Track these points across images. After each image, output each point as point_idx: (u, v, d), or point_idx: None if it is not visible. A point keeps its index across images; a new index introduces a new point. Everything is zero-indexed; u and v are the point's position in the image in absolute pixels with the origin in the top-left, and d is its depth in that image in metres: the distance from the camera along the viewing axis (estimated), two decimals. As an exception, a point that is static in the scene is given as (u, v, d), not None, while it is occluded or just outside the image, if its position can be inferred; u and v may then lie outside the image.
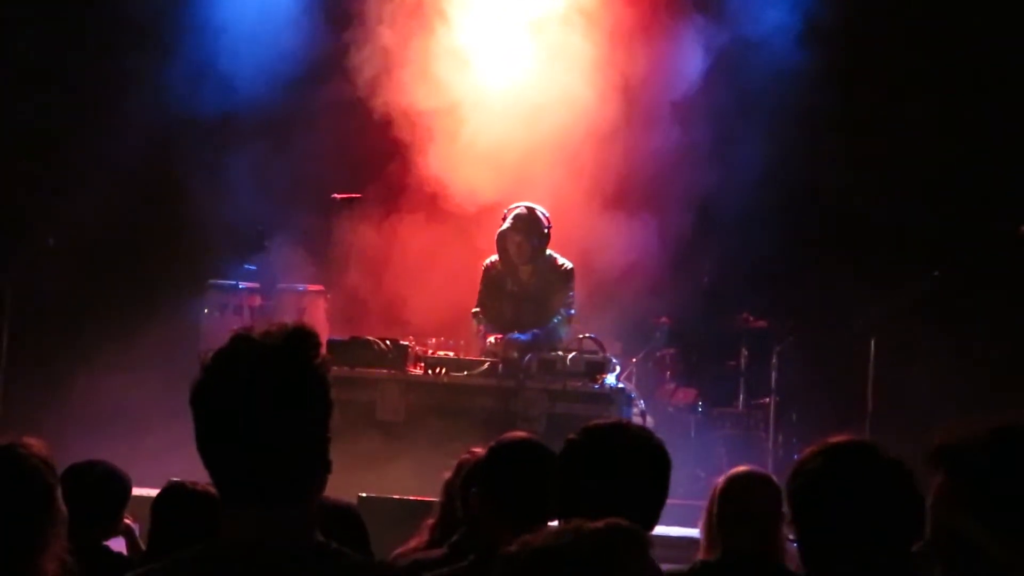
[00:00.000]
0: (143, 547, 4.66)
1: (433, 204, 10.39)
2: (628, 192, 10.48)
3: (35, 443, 2.92)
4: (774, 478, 4.23)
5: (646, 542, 2.06)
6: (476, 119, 10.37)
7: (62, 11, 11.12)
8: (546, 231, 8.91)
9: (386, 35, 10.45)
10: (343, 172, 10.60)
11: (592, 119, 10.28)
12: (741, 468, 4.33)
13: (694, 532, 4.40)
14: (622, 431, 3.15)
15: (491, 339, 8.78)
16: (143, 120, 10.78)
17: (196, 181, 10.68)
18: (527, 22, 10.60)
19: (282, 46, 10.74)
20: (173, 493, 4.01)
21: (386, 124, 10.45)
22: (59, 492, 2.88)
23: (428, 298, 9.95)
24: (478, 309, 9.04)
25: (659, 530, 3.15)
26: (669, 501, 3.13)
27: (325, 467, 2.30)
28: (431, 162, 10.32)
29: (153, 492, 4.27)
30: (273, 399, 2.22)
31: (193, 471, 2.30)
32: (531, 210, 8.89)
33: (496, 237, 8.96)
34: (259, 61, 10.69)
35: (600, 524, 2.04)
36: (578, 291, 9.17)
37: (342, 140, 10.74)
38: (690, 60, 10.48)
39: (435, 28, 10.48)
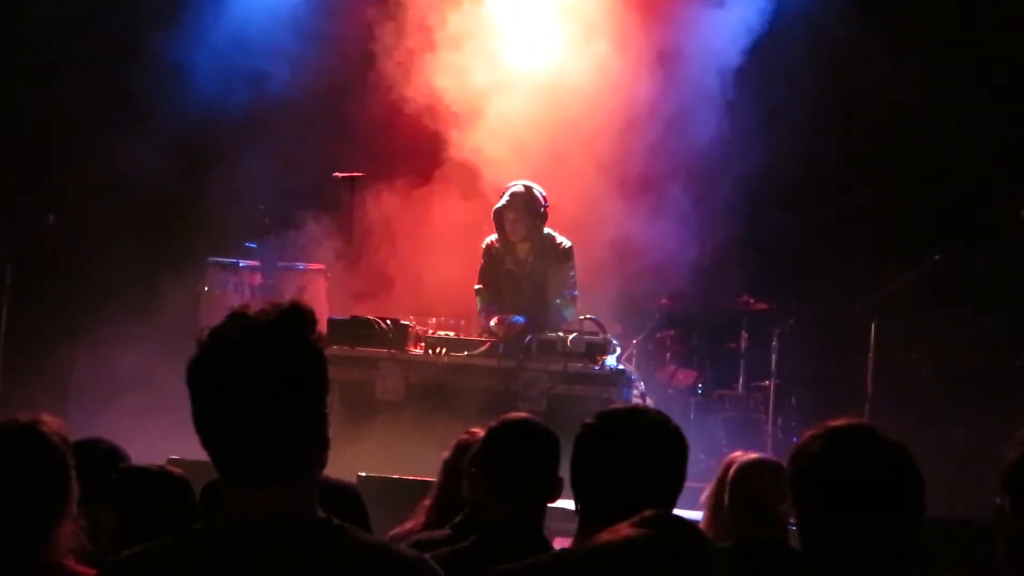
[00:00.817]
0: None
1: (462, 184, 10.29)
2: (630, 173, 10.43)
3: (52, 421, 2.96)
4: (784, 464, 4.23)
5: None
6: (506, 99, 10.25)
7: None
8: (543, 210, 8.86)
9: (415, 14, 10.38)
10: (370, 153, 10.55)
11: (614, 97, 10.20)
12: (751, 456, 4.32)
13: (695, 514, 4.39)
14: (641, 416, 3.12)
15: (493, 321, 8.76)
16: (157, 102, 10.75)
17: (211, 162, 10.65)
18: None
19: (310, 27, 10.71)
20: (131, 477, 3.88)
21: (414, 105, 10.32)
22: (74, 470, 2.92)
23: (449, 278, 9.87)
24: (480, 286, 9.03)
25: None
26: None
27: (323, 444, 2.31)
28: (460, 143, 10.20)
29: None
30: (268, 376, 2.23)
31: (195, 449, 2.30)
32: (528, 188, 8.85)
33: (492, 214, 8.94)
34: (286, 42, 10.66)
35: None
36: (586, 271, 9.14)
37: (370, 121, 10.67)
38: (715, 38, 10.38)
39: (464, 6, 10.40)
